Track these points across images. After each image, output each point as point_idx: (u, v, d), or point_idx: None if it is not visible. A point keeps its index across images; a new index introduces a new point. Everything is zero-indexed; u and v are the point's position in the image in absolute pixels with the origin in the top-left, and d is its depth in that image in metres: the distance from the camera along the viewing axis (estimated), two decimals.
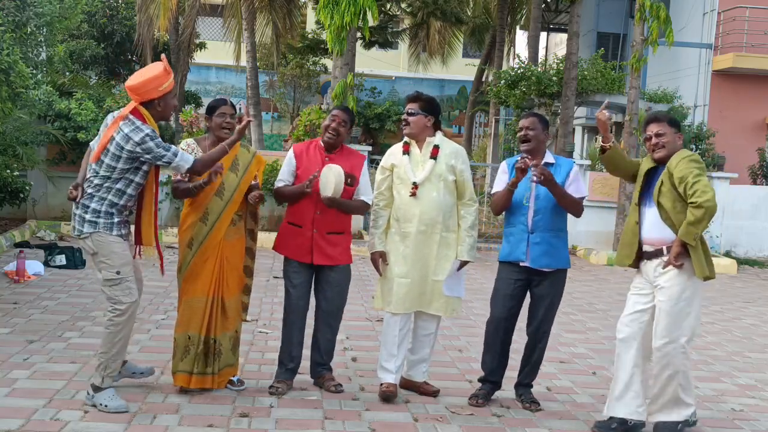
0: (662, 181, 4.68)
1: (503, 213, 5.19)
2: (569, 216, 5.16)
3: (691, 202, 4.50)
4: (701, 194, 4.47)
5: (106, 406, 4.54)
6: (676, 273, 4.62)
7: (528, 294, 5.17)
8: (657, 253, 4.71)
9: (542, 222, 5.03)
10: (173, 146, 4.66)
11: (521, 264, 5.05)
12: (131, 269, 4.67)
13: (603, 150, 4.87)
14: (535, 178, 4.91)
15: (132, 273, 4.67)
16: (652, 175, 4.83)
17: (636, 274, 4.89)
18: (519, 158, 5.00)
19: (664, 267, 4.64)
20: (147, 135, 4.54)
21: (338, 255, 5.16)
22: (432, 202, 5.06)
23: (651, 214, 4.74)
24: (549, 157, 5.14)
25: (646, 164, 4.89)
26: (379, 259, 5.15)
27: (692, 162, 4.63)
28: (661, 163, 4.78)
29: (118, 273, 4.58)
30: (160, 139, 4.60)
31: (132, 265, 4.71)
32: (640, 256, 4.83)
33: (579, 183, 5.13)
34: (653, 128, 4.77)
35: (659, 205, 4.68)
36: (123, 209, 4.67)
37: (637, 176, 4.88)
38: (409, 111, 5.13)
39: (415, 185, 5.04)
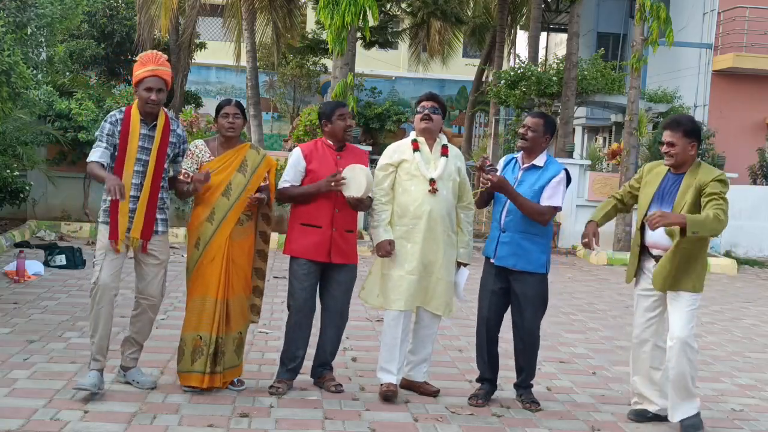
0: (686, 194, 4.71)
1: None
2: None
3: (717, 214, 4.51)
4: (725, 216, 4.53)
5: (77, 381, 4.81)
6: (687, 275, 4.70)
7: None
8: None
9: (513, 223, 5.03)
10: (103, 142, 4.80)
11: (490, 261, 5.16)
12: (104, 254, 4.80)
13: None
14: (481, 184, 4.98)
15: (104, 258, 4.79)
16: (663, 179, 4.88)
17: (641, 277, 4.97)
18: (481, 160, 5.11)
19: (653, 223, 4.48)
20: (102, 123, 4.89)
21: (351, 253, 5.19)
22: (443, 200, 5.10)
23: None
24: (540, 160, 5.10)
25: (661, 168, 4.93)
26: (389, 246, 5.05)
27: (723, 184, 4.69)
28: (673, 169, 4.85)
29: (94, 256, 4.91)
30: (107, 128, 4.80)
31: (107, 251, 4.80)
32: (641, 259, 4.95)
33: (556, 192, 5.02)
34: (666, 135, 4.82)
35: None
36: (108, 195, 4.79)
37: (649, 181, 4.93)
38: (432, 108, 5.17)
39: (433, 181, 5.06)
